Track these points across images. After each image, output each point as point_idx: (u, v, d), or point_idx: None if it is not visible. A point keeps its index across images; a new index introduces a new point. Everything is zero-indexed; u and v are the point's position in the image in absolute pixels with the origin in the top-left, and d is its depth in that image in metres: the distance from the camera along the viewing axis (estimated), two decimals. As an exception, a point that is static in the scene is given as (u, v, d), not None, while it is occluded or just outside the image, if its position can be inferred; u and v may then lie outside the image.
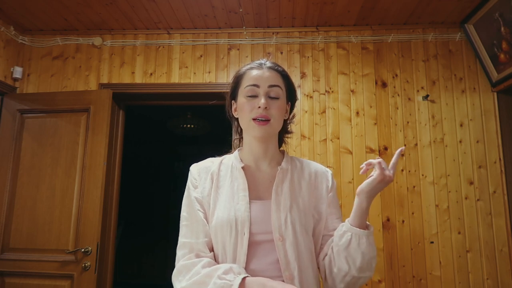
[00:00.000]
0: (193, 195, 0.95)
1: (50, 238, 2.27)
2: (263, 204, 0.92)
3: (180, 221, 0.95)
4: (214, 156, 1.06)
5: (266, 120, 0.92)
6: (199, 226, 0.91)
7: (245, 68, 0.99)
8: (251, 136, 0.97)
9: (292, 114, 1.06)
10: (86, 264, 2.20)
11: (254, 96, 0.94)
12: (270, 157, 0.99)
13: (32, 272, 2.24)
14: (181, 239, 0.92)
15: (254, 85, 0.94)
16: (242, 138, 1.05)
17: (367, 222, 0.89)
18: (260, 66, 0.97)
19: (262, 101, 0.91)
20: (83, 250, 2.21)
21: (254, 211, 0.91)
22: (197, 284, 0.81)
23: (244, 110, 0.94)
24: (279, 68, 0.99)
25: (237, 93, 0.99)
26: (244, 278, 0.78)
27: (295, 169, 1.00)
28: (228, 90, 1.04)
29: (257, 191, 0.95)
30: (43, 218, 2.30)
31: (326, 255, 0.94)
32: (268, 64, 0.98)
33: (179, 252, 0.90)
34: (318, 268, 0.96)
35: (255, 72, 0.96)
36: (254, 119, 0.92)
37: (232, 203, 0.91)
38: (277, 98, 0.94)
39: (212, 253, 0.90)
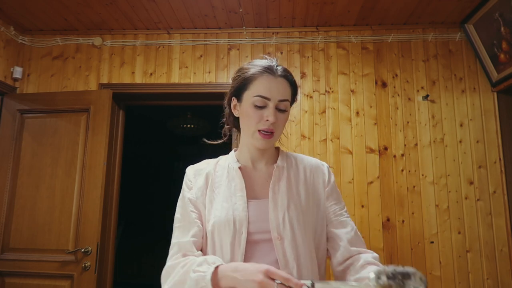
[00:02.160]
0: (187, 196, 0.96)
1: (50, 238, 2.27)
2: (260, 203, 0.92)
3: (174, 223, 0.96)
4: (214, 156, 1.07)
5: (271, 133, 0.92)
6: (190, 227, 0.92)
7: (255, 71, 0.93)
8: (252, 144, 0.96)
9: None
10: (86, 264, 2.20)
11: (263, 107, 0.91)
12: (267, 157, 1.00)
13: (32, 272, 2.24)
14: (171, 240, 0.93)
15: (265, 97, 0.90)
16: (233, 128, 1.06)
17: None
18: (272, 72, 0.92)
19: (271, 117, 0.89)
20: (83, 250, 2.21)
21: (252, 210, 0.91)
22: (178, 284, 0.82)
23: (250, 118, 0.92)
24: (290, 78, 0.95)
25: (243, 95, 0.94)
26: (217, 267, 0.78)
27: (291, 166, 1.00)
28: (231, 86, 0.99)
29: (254, 190, 0.95)
30: (43, 218, 2.30)
31: (340, 264, 0.92)
32: (280, 71, 0.93)
33: (169, 253, 0.92)
34: (317, 259, 0.94)
35: (267, 81, 0.91)
36: (259, 131, 0.91)
37: (230, 203, 0.91)
38: (285, 111, 0.94)
39: (199, 252, 0.90)
